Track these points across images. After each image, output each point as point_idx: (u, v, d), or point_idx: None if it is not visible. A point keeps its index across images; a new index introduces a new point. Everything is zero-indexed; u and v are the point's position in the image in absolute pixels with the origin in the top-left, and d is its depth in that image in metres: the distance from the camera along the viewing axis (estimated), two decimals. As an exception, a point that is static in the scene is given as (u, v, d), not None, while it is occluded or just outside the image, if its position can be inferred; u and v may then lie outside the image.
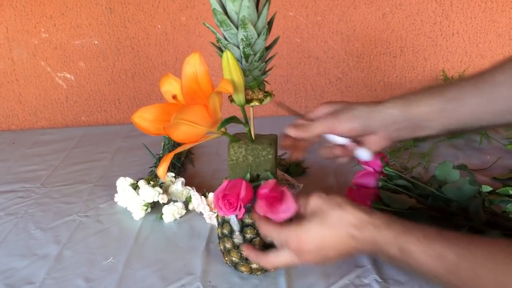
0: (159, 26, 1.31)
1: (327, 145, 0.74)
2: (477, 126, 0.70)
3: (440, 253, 0.53)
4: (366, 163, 0.85)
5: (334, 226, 0.59)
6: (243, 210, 0.65)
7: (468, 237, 0.58)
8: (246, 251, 0.68)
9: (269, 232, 0.64)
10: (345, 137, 0.71)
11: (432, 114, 0.69)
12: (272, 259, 0.65)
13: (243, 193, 0.65)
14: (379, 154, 0.85)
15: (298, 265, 0.66)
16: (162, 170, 0.61)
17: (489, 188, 0.86)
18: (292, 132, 0.70)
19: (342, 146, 0.72)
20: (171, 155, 0.62)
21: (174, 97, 0.63)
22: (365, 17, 1.29)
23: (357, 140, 0.72)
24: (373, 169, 0.84)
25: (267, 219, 0.64)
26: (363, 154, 0.72)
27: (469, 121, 0.69)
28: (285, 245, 0.62)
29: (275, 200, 0.65)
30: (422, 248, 0.54)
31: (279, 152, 0.80)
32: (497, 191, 0.87)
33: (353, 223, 0.59)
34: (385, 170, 0.83)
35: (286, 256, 0.63)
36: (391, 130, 0.70)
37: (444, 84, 0.71)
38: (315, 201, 0.62)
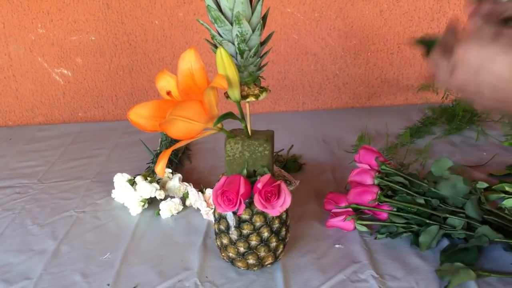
0: (156, 22, 1.31)
1: None
2: None
3: None
4: (360, 161, 0.86)
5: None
6: (243, 206, 0.66)
7: None
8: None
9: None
10: None
11: None
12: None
13: (242, 189, 0.65)
14: (374, 153, 0.85)
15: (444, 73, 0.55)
16: (160, 168, 0.62)
17: (485, 185, 0.87)
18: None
19: None
20: (168, 152, 0.62)
21: (169, 93, 0.63)
22: (363, 13, 1.29)
23: None
24: (369, 166, 0.85)
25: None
26: None
27: None
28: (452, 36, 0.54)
29: (271, 194, 0.65)
30: None
31: (276, 148, 0.80)
32: (493, 187, 0.87)
33: None
34: (382, 169, 0.83)
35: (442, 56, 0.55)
36: None
37: None
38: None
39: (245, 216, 0.69)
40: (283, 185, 0.67)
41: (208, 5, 0.59)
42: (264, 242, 0.70)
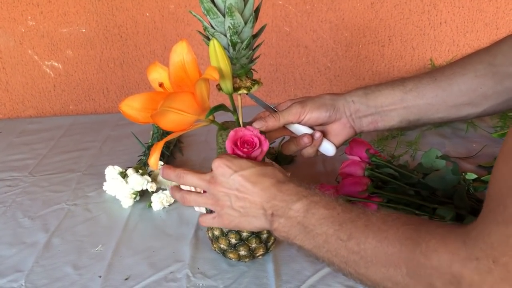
0: (147, 14, 1.30)
1: (293, 135, 0.75)
2: (436, 118, 0.72)
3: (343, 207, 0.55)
4: (351, 153, 0.86)
5: (264, 170, 0.61)
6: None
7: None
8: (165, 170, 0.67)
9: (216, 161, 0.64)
10: (311, 127, 0.74)
11: (392, 104, 0.71)
12: (188, 176, 0.66)
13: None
14: (365, 145, 0.86)
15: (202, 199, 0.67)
16: (153, 160, 0.62)
17: (474, 176, 0.88)
18: (259, 124, 0.70)
19: (309, 135, 0.73)
20: (161, 144, 0.62)
21: (161, 85, 0.63)
22: (354, 6, 1.29)
23: (322, 131, 0.74)
24: (359, 158, 0.85)
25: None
26: (328, 148, 0.75)
27: (428, 112, 0.71)
28: (214, 162, 0.64)
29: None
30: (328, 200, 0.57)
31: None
32: (481, 178, 0.88)
33: (281, 178, 0.60)
34: (373, 160, 0.84)
35: (202, 178, 0.65)
36: (353, 118, 0.73)
37: (407, 77, 0.73)
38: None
39: (237, 208, 0.69)
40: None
41: (200, -4, 0.59)
42: (256, 234, 0.70)
